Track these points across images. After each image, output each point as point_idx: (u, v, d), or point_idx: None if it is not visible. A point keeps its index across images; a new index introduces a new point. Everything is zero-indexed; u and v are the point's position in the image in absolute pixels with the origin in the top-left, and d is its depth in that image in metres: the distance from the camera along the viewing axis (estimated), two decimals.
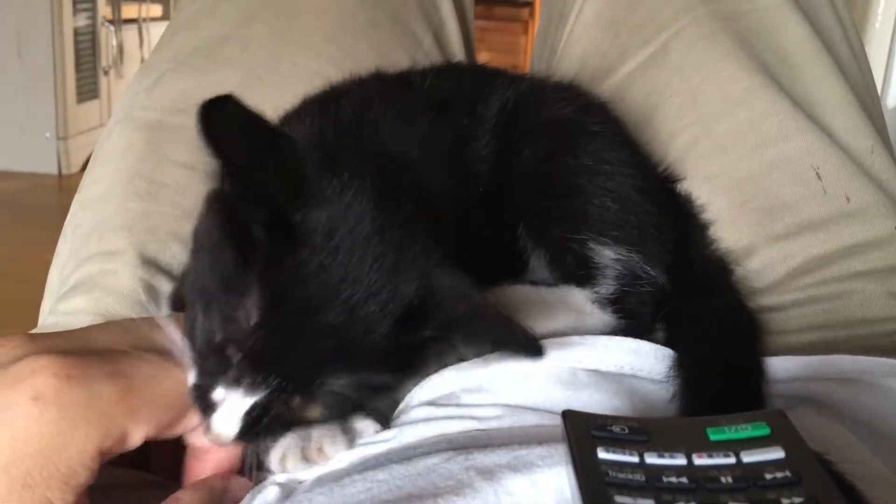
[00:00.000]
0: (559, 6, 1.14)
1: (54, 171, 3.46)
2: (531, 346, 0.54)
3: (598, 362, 0.65)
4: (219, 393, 0.53)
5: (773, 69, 0.93)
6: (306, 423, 0.57)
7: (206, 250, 0.58)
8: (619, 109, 0.98)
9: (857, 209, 0.86)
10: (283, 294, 0.53)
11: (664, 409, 0.65)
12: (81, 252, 0.81)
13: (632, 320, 0.75)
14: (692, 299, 0.79)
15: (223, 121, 0.54)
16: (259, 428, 0.54)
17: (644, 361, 0.67)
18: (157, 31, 3.77)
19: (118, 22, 3.67)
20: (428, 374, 0.62)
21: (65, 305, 0.76)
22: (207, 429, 0.54)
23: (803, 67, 0.94)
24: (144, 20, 3.81)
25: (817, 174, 0.87)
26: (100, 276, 0.78)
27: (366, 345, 0.54)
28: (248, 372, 0.53)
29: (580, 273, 0.75)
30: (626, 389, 0.65)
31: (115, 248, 0.79)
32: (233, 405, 0.53)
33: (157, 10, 3.84)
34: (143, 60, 3.80)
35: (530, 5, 5.05)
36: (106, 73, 3.69)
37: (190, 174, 0.85)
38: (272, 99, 0.89)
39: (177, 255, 0.80)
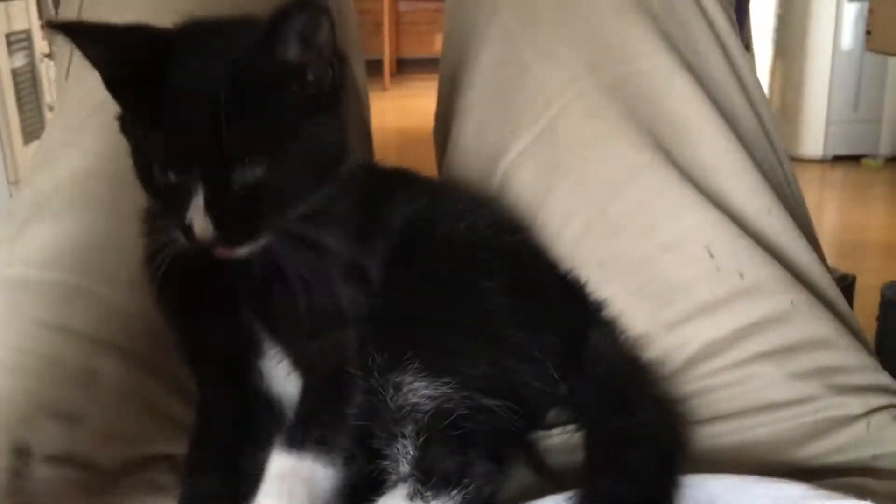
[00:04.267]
0: (450, 69, 1.10)
1: None
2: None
3: None
4: (186, 216, 0.64)
5: (661, 136, 0.90)
6: (262, 196, 0.65)
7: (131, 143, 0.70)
8: (514, 191, 0.95)
9: (752, 286, 0.84)
10: (168, 107, 0.65)
11: None
12: None
13: (462, 485, 0.65)
14: (601, 414, 0.76)
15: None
16: (228, 214, 0.64)
17: None
18: None
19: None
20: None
21: None
22: (203, 244, 0.64)
23: (692, 130, 0.90)
24: None
25: (709, 252, 0.85)
26: None
27: (228, 96, 0.64)
28: (185, 180, 0.64)
29: (390, 429, 0.68)
30: None
31: None
32: (195, 213, 0.64)
33: None
34: None
35: None
36: (51, 109, 3.60)
37: (59, 338, 0.80)
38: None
39: (54, 431, 0.76)
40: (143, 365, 0.82)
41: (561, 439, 0.81)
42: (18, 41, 3.46)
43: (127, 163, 0.89)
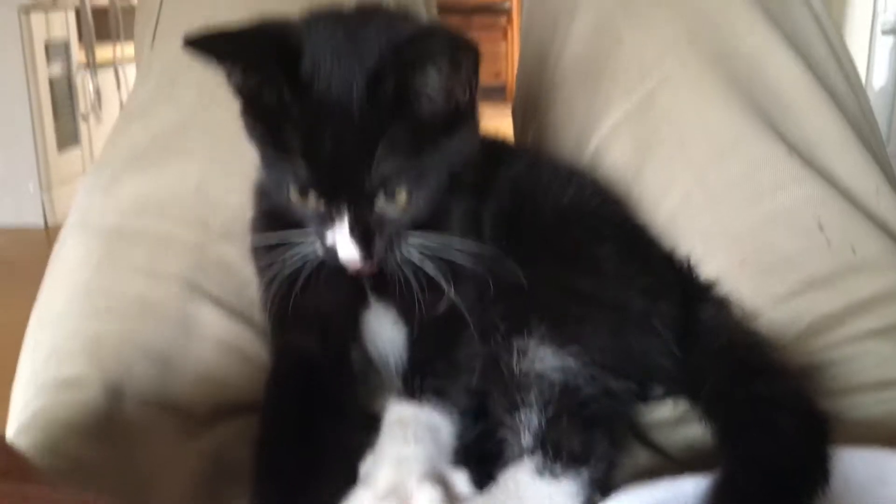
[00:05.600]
0: (535, 44, 1.08)
1: (40, 223, 3.40)
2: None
3: None
4: (327, 238, 0.66)
5: (765, 110, 0.88)
6: (405, 221, 0.66)
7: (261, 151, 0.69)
8: (608, 164, 0.93)
9: (865, 261, 0.81)
10: (310, 130, 0.63)
11: None
12: (40, 377, 0.76)
13: (589, 465, 0.62)
14: (732, 381, 0.71)
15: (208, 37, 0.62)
16: (375, 238, 0.65)
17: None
18: (133, 71, 3.70)
19: (93, 66, 3.61)
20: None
21: (21, 439, 0.71)
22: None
23: (798, 106, 0.88)
24: (120, 62, 3.74)
25: (819, 225, 0.82)
26: (57, 408, 0.72)
27: (371, 123, 0.62)
28: (328, 206, 0.64)
29: (512, 397, 0.64)
30: None
31: (75, 377, 0.73)
32: (341, 236, 0.64)
33: (132, 50, 3.78)
34: (121, 103, 3.73)
35: (508, 13, 5.02)
36: (85, 119, 3.63)
37: (153, 282, 0.79)
38: (238, 187, 0.84)
39: (147, 372, 0.75)
40: (235, 314, 0.80)
41: (669, 413, 0.77)
42: (56, 50, 3.49)
43: (223, 115, 0.88)
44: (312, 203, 0.66)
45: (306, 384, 0.72)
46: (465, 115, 0.68)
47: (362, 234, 0.65)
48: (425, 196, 0.66)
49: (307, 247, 0.69)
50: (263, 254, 0.73)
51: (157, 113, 0.91)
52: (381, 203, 0.65)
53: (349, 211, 0.64)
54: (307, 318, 0.73)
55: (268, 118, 0.66)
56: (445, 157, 0.67)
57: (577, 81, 0.99)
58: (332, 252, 0.66)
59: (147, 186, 0.85)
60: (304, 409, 0.70)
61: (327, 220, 0.65)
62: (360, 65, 0.63)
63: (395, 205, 0.65)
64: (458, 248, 0.69)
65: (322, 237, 0.66)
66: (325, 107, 0.63)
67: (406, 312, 0.72)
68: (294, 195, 0.66)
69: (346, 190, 0.64)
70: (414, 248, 0.68)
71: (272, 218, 0.73)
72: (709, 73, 0.90)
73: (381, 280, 0.71)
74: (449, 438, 0.66)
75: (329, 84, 0.63)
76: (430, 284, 0.68)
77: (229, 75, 0.65)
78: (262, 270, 0.74)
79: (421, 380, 0.67)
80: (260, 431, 0.69)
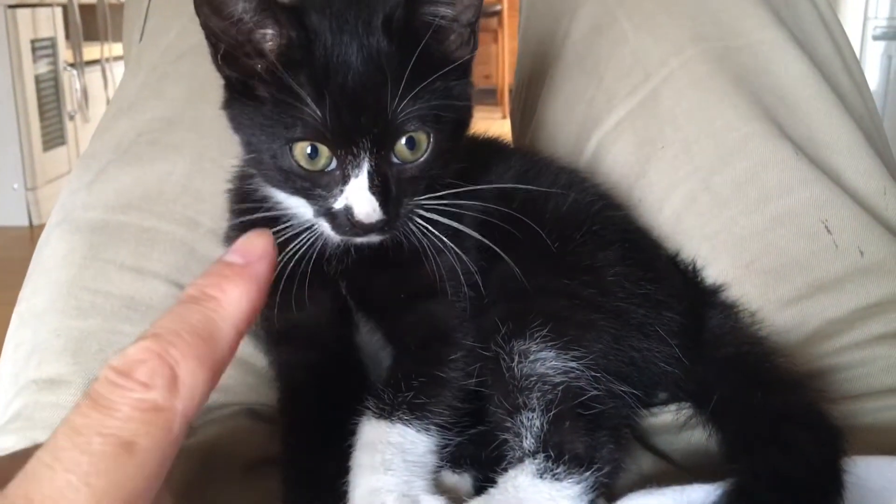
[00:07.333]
0: (535, 42, 1.06)
1: (25, 222, 3.36)
2: None
3: None
4: (338, 201, 0.61)
5: (772, 110, 0.86)
6: (421, 170, 0.63)
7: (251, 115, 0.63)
8: (609, 163, 0.91)
9: (873, 264, 0.79)
10: (324, 78, 0.60)
11: None
12: (21, 376, 0.73)
13: (593, 468, 0.60)
14: (744, 393, 0.69)
15: None
16: (392, 194, 0.62)
17: None
18: (121, 70, 3.65)
19: (80, 65, 3.56)
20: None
21: (2, 440, 0.68)
22: (358, 229, 0.61)
23: (804, 105, 0.87)
24: (107, 60, 3.70)
25: (826, 227, 0.80)
26: (37, 409, 0.69)
27: (390, 61, 0.61)
28: (343, 157, 0.60)
29: (513, 399, 0.62)
30: None
31: (57, 376, 0.71)
32: (358, 190, 0.60)
33: (119, 49, 3.74)
34: (108, 102, 3.69)
35: (498, 14, 5.02)
36: (72, 117, 3.59)
37: (138, 278, 0.76)
38: (227, 184, 0.82)
39: None
40: None
41: (672, 418, 0.75)
42: (43, 48, 3.45)
43: (211, 111, 0.85)
44: (323, 160, 0.61)
45: (317, 391, 0.70)
46: (466, 67, 0.67)
47: (382, 187, 0.61)
48: (442, 145, 0.64)
49: (301, 226, 0.65)
50: None
51: (145, 108, 0.88)
52: (400, 150, 0.62)
53: (369, 159, 0.60)
54: (299, 335, 0.71)
55: (266, 70, 0.62)
56: (455, 105, 0.65)
57: (579, 79, 0.97)
58: (343, 215, 0.61)
59: (132, 181, 0.82)
60: (321, 413, 0.69)
61: (339, 179, 0.61)
62: (369, 13, 0.62)
63: (414, 152, 0.62)
64: (468, 212, 0.67)
65: (331, 201, 0.62)
66: (337, 52, 0.60)
67: (389, 331, 0.70)
68: (300, 156, 0.61)
69: (365, 133, 0.60)
70: (423, 213, 0.65)
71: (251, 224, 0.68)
72: (714, 71, 0.88)
73: (362, 292, 0.69)
74: (425, 456, 0.63)
75: (340, 32, 0.61)
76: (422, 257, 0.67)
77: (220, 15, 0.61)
78: None
79: (394, 395, 0.64)
80: (283, 445, 0.69)
